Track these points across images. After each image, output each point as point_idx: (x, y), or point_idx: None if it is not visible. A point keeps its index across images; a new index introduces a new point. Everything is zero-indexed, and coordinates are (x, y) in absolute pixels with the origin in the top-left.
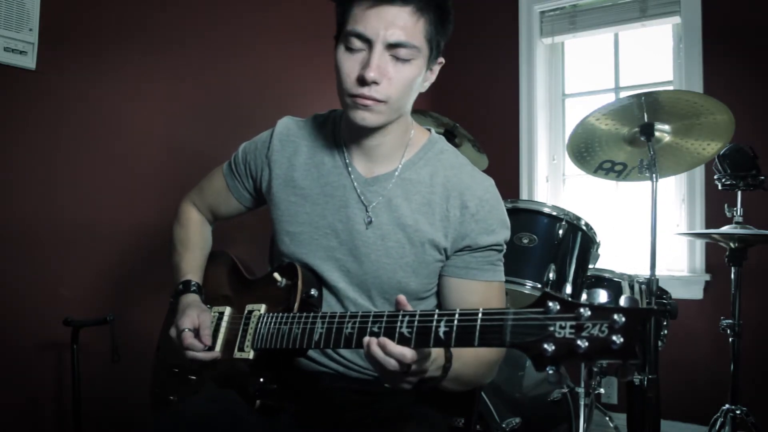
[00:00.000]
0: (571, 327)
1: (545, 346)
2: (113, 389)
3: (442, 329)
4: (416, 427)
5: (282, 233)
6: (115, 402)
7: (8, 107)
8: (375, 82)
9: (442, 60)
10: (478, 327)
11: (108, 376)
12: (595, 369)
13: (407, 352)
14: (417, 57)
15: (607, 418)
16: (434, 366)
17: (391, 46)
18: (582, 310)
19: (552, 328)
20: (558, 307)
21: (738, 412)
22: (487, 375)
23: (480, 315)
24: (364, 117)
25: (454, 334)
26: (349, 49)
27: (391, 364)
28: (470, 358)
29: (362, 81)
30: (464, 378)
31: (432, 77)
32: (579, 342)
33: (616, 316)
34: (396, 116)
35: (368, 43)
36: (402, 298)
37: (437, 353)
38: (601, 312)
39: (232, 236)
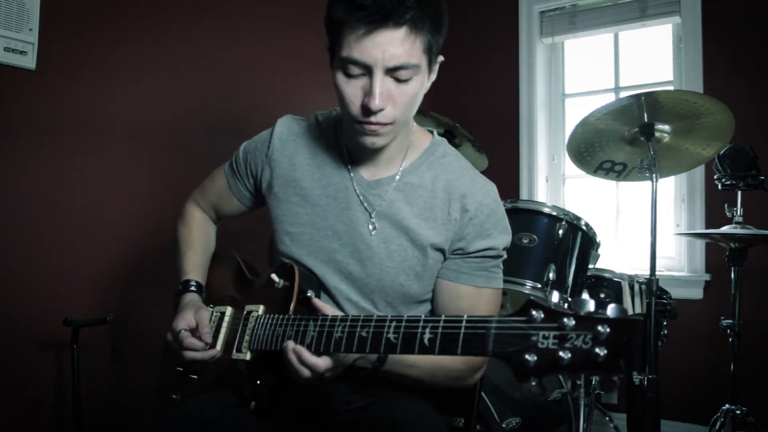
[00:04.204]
0: (555, 337)
1: (527, 356)
2: (113, 389)
3: (427, 336)
4: (415, 427)
5: (282, 233)
6: (115, 402)
7: (8, 107)
8: (381, 110)
9: (441, 57)
10: (461, 335)
11: (108, 376)
12: (579, 383)
13: (320, 363)
14: (418, 73)
15: (607, 418)
16: (364, 360)
17: (391, 70)
18: (566, 319)
19: (534, 338)
20: (542, 315)
21: (738, 412)
22: (449, 381)
23: (464, 322)
24: (374, 142)
25: (438, 341)
26: (348, 75)
27: (304, 373)
28: (423, 364)
29: (367, 111)
30: (425, 383)
31: (433, 76)
32: (561, 353)
33: (600, 327)
34: (403, 129)
35: (367, 69)
36: None
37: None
38: (585, 322)
39: (239, 235)
